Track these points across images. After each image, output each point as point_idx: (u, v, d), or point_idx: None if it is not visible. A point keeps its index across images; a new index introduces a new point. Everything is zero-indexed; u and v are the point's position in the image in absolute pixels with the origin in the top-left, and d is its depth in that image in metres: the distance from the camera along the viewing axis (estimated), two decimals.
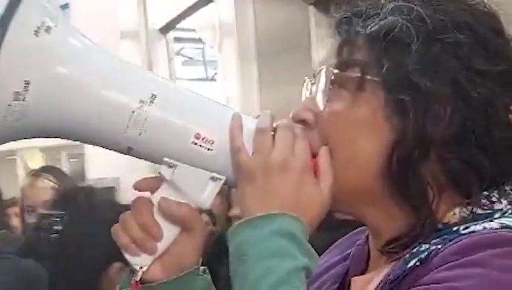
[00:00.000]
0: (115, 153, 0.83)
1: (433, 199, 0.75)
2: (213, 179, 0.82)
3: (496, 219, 0.73)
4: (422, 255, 0.71)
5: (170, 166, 0.81)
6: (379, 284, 0.76)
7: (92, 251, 0.84)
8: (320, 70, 0.81)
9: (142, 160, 0.88)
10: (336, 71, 0.79)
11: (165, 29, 4.43)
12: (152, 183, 0.84)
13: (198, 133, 0.80)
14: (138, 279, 0.82)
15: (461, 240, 0.69)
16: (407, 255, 0.73)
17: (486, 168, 0.74)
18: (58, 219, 1.37)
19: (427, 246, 0.72)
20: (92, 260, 0.84)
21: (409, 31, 0.75)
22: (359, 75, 0.77)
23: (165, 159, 0.81)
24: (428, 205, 0.75)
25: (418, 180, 0.75)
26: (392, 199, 0.77)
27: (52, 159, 4.65)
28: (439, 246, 0.71)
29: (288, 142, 0.79)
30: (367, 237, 0.86)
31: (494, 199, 0.75)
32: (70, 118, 0.78)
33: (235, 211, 2.60)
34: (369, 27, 0.78)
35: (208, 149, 0.80)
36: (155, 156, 0.82)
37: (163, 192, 0.83)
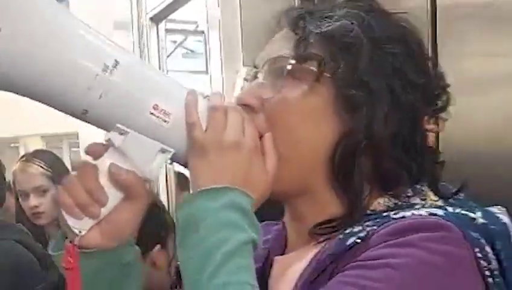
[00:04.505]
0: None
1: (364, 190, 0.82)
2: (162, 151, 0.82)
3: (418, 208, 0.79)
4: (361, 234, 0.77)
5: (121, 133, 0.80)
6: (309, 264, 0.81)
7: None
8: (268, 60, 0.86)
9: None
10: (293, 62, 0.83)
11: (157, 19, 4.50)
12: (98, 149, 0.83)
13: (156, 104, 0.80)
14: (76, 243, 0.82)
15: (394, 223, 0.75)
16: (342, 236, 0.79)
17: (412, 169, 0.82)
18: None
19: (360, 227, 0.78)
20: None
21: (361, 36, 0.82)
22: (316, 69, 0.82)
23: (118, 125, 0.80)
24: (363, 195, 0.82)
25: (360, 172, 0.81)
26: (330, 186, 0.83)
27: (54, 148, 4.70)
28: (374, 227, 0.76)
29: (239, 122, 0.82)
30: (283, 223, 0.93)
31: (409, 194, 0.83)
32: (35, 72, 0.76)
33: None
34: (324, 27, 0.83)
35: (164, 121, 0.81)
36: (109, 122, 0.80)
37: (108, 158, 0.82)
